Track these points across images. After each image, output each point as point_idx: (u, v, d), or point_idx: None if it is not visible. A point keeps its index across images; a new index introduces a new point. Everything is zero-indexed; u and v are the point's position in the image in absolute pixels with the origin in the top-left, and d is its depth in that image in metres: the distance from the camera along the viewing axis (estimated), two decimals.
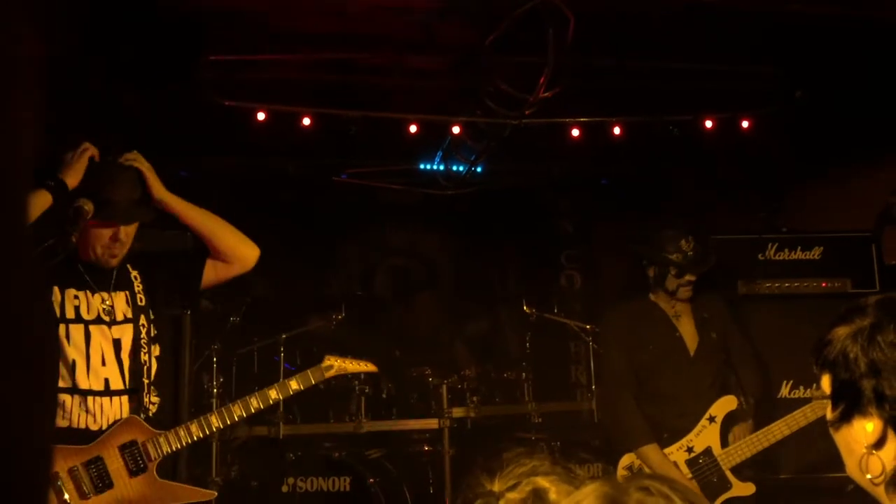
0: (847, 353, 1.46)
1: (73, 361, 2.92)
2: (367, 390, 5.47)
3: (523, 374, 5.79)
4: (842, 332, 1.50)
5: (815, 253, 4.76)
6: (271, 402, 3.15)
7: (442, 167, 6.48)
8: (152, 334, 3.09)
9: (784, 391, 4.57)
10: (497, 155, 5.80)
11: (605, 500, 1.04)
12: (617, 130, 5.71)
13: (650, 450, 3.71)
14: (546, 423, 5.66)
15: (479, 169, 6.34)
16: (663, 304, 3.93)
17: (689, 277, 3.83)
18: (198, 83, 4.96)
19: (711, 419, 3.78)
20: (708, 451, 3.75)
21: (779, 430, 3.72)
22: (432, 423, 5.40)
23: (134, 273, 3.14)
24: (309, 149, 6.10)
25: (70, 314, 2.96)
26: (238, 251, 3.24)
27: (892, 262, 4.79)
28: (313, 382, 3.19)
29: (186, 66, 4.91)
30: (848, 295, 4.64)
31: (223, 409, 3.06)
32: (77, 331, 2.95)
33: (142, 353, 3.02)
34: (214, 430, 3.02)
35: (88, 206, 2.84)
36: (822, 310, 4.66)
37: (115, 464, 2.87)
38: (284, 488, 4.97)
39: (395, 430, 5.59)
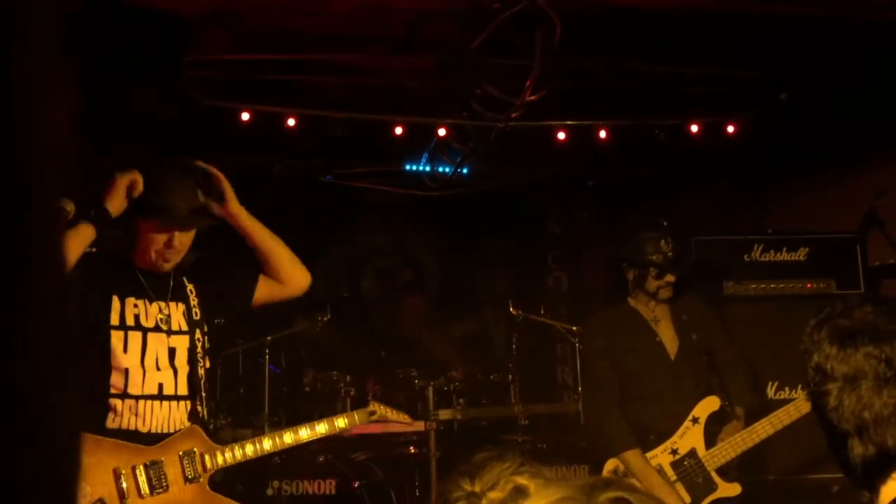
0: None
1: (127, 370, 2.95)
2: (352, 392, 5.45)
3: (510, 375, 5.79)
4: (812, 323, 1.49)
5: (801, 254, 4.78)
6: (318, 436, 3.28)
7: (428, 168, 6.47)
8: (206, 347, 3.13)
9: (770, 392, 4.58)
10: (483, 157, 5.80)
11: None
12: (603, 134, 5.73)
13: (632, 455, 3.71)
14: (533, 425, 5.65)
15: (465, 171, 6.33)
16: (642, 309, 3.92)
17: (668, 278, 3.82)
18: (181, 83, 4.93)
19: (695, 420, 3.77)
20: (692, 453, 3.75)
21: (763, 429, 3.72)
22: (419, 426, 5.39)
23: (190, 287, 3.16)
24: (294, 149, 6.08)
25: (130, 321, 2.98)
26: (295, 275, 3.30)
27: (876, 263, 4.81)
28: (357, 423, 3.34)
29: (170, 65, 4.87)
30: (833, 296, 4.65)
31: (276, 434, 3.16)
32: (135, 338, 2.97)
33: (198, 366, 3.06)
34: (266, 452, 3.10)
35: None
36: (807, 311, 4.68)
37: (173, 469, 2.92)
38: (269, 492, 4.94)
39: (381, 433, 5.56)
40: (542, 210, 8.07)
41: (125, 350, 2.94)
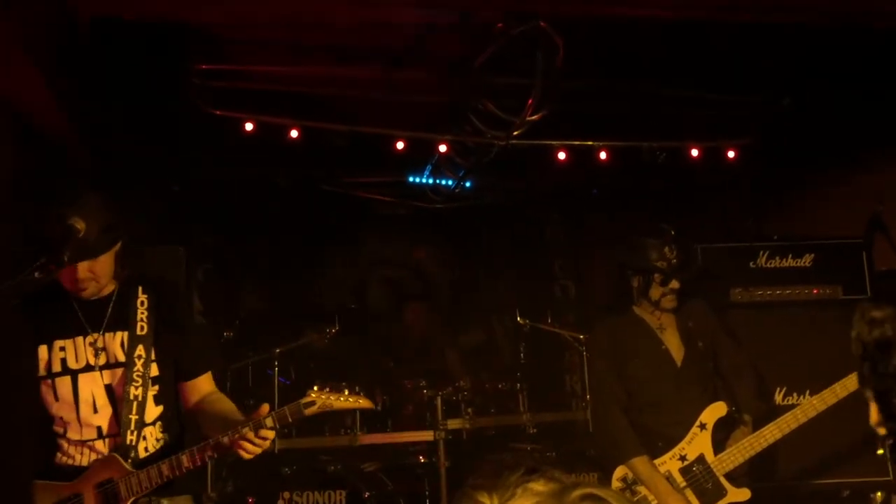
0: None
1: (61, 418, 2.93)
2: None
3: (518, 384, 5.79)
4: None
5: (807, 260, 4.79)
6: (242, 437, 2.86)
7: (431, 181, 6.51)
8: (152, 372, 2.99)
9: (777, 398, 4.58)
10: (486, 169, 5.84)
11: None
12: (603, 155, 5.82)
13: (639, 462, 3.72)
14: (541, 434, 5.66)
15: (468, 184, 6.37)
16: (647, 317, 3.93)
17: (673, 286, 3.83)
18: (186, 94, 4.98)
19: (702, 426, 3.78)
20: (701, 459, 3.76)
21: (771, 433, 3.73)
22: (427, 436, 5.40)
23: (142, 297, 3.04)
24: (298, 160, 6.12)
25: (56, 367, 2.93)
26: None
27: (883, 268, 4.81)
28: (290, 420, 2.88)
29: (175, 77, 4.92)
30: (839, 302, 4.66)
31: (195, 448, 2.88)
32: (63, 384, 2.93)
33: (132, 390, 2.93)
34: (185, 470, 2.87)
35: (80, 225, 2.78)
36: (813, 317, 4.71)
37: (90, 502, 2.88)
38: (280, 503, 4.95)
39: (391, 443, 5.58)
40: (547, 218, 8.09)
41: (56, 398, 2.92)
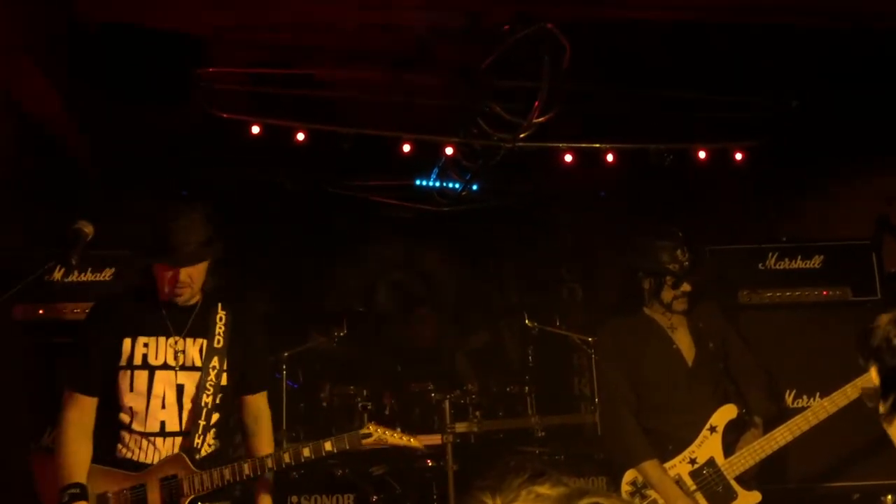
0: (890, 339, 1.42)
1: (131, 408, 3.12)
2: (369, 406, 5.46)
3: (526, 387, 5.78)
4: (884, 318, 1.46)
5: (816, 262, 4.77)
6: (303, 459, 3.20)
7: (438, 184, 6.50)
8: (222, 381, 3.21)
9: (787, 400, 4.56)
10: (493, 172, 5.84)
11: None
12: (610, 157, 5.81)
13: (649, 466, 3.70)
14: (550, 437, 5.64)
15: (475, 187, 6.37)
16: (658, 318, 3.91)
17: (684, 288, 3.82)
18: (193, 97, 4.99)
19: (712, 429, 3.76)
20: (711, 462, 3.74)
21: (781, 436, 3.69)
22: (435, 439, 5.38)
23: (221, 314, 3.28)
24: (304, 163, 6.13)
25: (137, 361, 3.14)
26: None
27: (892, 269, 4.79)
28: (347, 448, 3.21)
29: (183, 81, 4.93)
30: (849, 303, 4.64)
31: (256, 458, 3.20)
32: (140, 377, 3.12)
33: (204, 396, 3.16)
34: (245, 477, 3.16)
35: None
36: (823, 318, 4.68)
37: (154, 493, 3.08)
38: None
39: (399, 447, 5.55)
40: (555, 221, 8.07)
41: (131, 389, 3.12)
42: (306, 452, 3.17)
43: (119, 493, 3.08)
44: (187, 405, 3.15)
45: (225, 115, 5.22)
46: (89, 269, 4.38)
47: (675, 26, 4.42)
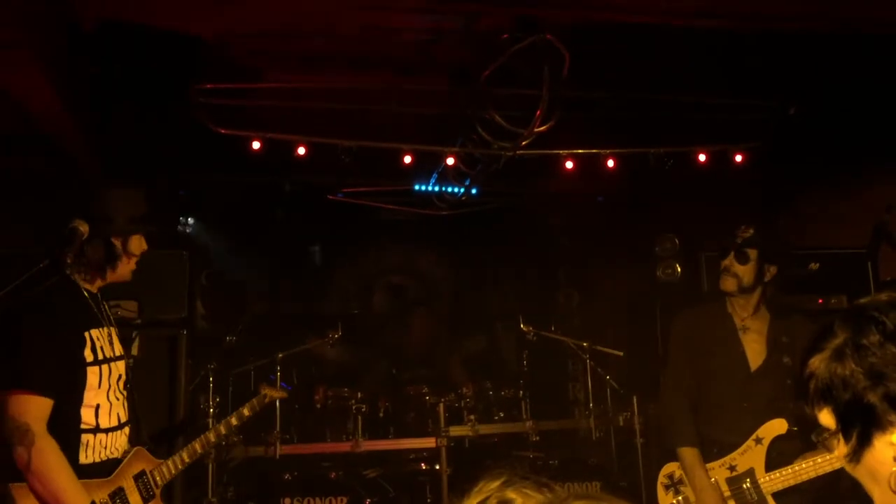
0: (837, 374, 1.38)
1: (98, 405, 2.96)
2: (363, 409, 5.45)
3: (521, 391, 5.77)
4: (818, 360, 1.41)
5: (812, 269, 4.77)
6: (233, 426, 3.69)
7: (437, 188, 6.51)
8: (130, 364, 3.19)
9: None
10: (492, 177, 5.84)
11: None
12: (611, 163, 5.81)
13: (688, 451, 3.63)
14: (544, 441, 5.63)
15: (473, 191, 6.37)
16: (735, 314, 3.79)
17: (725, 263, 3.70)
18: (194, 109, 5.00)
19: (758, 440, 3.61)
20: (750, 472, 3.59)
21: (826, 462, 3.42)
22: (430, 442, 5.38)
23: (104, 304, 3.14)
24: (304, 169, 6.13)
25: (100, 355, 2.97)
26: None
27: (888, 278, 4.79)
28: (257, 408, 3.81)
29: (183, 91, 4.95)
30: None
31: (203, 437, 3.39)
32: (105, 371, 2.98)
33: (128, 383, 3.12)
34: (199, 454, 3.33)
35: (83, 228, 2.87)
36: (818, 326, 4.67)
37: (134, 495, 3.04)
38: None
39: (393, 450, 5.56)
40: (552, 226, 8.08)
41: (99, 385, 2.94)
42: (234, 420, 3.66)
43: (104, 503, 2.93)
44: (125, 394, 3.08)
45: (224, 132, 5.22)
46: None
47: (675, 31, 4.42)
